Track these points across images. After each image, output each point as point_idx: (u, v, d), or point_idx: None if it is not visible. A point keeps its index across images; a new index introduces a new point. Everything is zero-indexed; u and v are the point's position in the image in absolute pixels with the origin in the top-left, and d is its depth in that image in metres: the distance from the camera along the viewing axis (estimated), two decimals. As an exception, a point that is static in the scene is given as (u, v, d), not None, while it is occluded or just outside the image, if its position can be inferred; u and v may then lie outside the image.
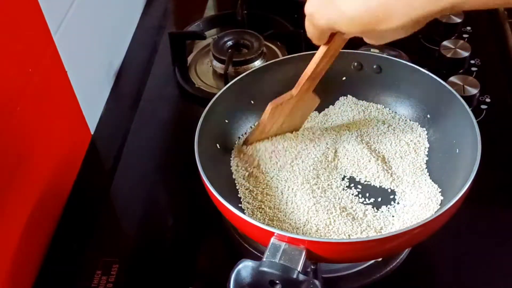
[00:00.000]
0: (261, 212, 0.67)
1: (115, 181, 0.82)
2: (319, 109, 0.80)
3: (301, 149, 0.74)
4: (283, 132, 0.75)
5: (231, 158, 0.74)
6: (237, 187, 0.71)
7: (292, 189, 0.69)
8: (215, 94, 0.74)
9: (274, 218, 0.66)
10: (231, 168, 0.73)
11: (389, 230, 0.64)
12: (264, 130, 0.73)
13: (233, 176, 0.72)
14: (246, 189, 0.70)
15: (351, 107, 0.79)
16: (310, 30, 0.60)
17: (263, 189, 0.70)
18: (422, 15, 0.50)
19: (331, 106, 0.80)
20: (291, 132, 0.76)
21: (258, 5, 1.06)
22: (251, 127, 0.78)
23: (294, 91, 0.70)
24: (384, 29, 0.52)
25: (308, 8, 0.58)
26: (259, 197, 0.69)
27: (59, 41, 0.76)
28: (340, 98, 0.80)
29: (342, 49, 0.78)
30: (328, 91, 0.79)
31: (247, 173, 0.72)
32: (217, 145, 0.73)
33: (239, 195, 0.70)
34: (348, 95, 0.80)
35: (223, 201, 0.61)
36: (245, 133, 0.77)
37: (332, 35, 0.62)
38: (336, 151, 0.74)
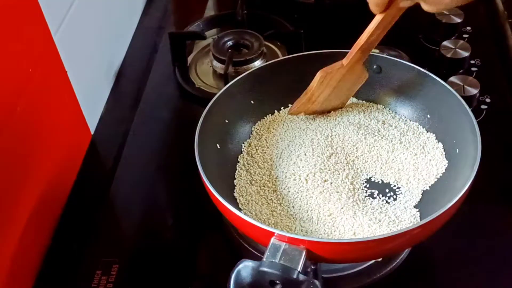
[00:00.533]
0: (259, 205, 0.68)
1: (115, 181, 0.82)
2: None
3: (303, 149, 0.74)
4: (328, 107, 0.77)
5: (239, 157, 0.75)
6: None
7: (292, 186, 0.69)
8: (215, 94, 0.74)
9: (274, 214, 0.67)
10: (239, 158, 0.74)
11: (387, 230, 0.64)
12: (311, 99, 0.74)
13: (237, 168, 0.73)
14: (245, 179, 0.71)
15: (351, 107, 0.79)
16: None
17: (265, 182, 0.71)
18: None
19: (331, 106, 0.80)
20: (335, 109, 0.77)
21: (258, 5, 1.06)
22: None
23: (345, 61, 0.71)
24: None
25: None
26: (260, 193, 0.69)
27: (59, 41, 0.76)
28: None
29: (342, 49, 0.79)
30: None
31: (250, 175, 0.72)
32: (217, 145, 0.73)
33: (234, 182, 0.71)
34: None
35: (223, 201, 0.61)
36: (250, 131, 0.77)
37: (390, 3, 0.62)
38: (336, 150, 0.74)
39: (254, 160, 0.74)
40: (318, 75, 0.72)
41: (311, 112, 0.77)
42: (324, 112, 0.77)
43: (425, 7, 0.57)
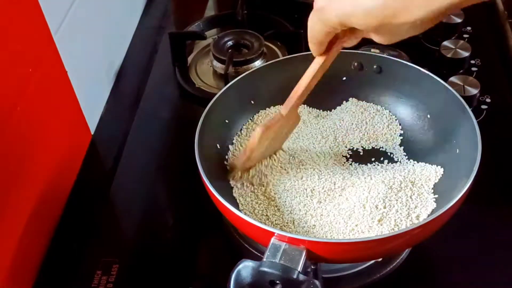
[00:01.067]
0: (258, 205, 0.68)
1: (115, 181, 0.82)
2: (318, 108, 0.80)
3: (302, 151, 0.74)
4: (266, 156, 0.71)
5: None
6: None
7: (293, 190, 0.69)
8: (215, 94, 0.74)
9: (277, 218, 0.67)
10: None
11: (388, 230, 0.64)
12: (250, 156, 0.67)
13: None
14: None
15: (351, 108, 0.79)
16: (317, 28, 0.56)
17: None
18: (441, 7, 0.48)
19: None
20: (272, 154, 0.71)
21: (258, 5, 1.06)
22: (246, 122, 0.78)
23: (284, 110, 0.66)
24: (401, 22, 0.49)
25: (318, 2, 0.54)
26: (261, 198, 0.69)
27: (59, 41, 0.76)
28: (343, 102, 0.80)
29: (343, 48, 0.79)
30: (328, 91, 0.79)
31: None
32: (217, 145, 0.73)
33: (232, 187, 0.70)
34: (349, 98, 0.80)
35: (223, 201, 0.61)
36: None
37: (331, 44, 0.60)
38: (335, 151, 0.74)
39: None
40: (259, 131, 0.65)
41: (248, 169, 0.69)
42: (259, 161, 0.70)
43: (377, 38, 0.53)
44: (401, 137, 0.76)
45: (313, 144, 0.75)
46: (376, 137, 0.76)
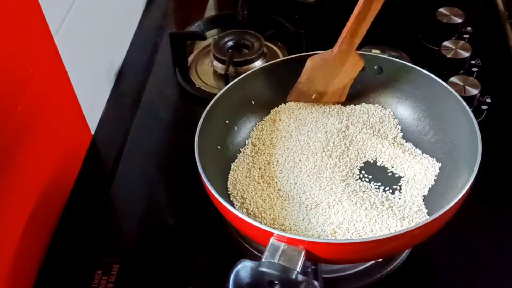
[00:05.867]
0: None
1: (115, 181, 0.82)
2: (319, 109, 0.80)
3: (302, 148, 0.74)
4: (326, 101, 0.77)
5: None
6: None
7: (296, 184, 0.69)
8: (215, 94, 0.74)
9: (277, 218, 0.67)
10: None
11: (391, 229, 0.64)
12: (301, 91, 0.75)
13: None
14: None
15: (352, 108, 0.79)
16: None
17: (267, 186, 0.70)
18: None
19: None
20: (334, 103, 0.77)
21: (258, 5, 1.06)
22: (254, 126, 0.78)
23: (335, 47, 0.71)
24: None
25: None
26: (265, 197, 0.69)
27: (60, 41, 0.76)
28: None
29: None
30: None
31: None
32: (218, 145, 0.73)
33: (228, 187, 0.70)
34: (350, 99, 0.80)
35: (223, 201, 0.61)
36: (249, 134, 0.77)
37: None
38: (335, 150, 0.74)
39: (253, 159, 0.74)
40: (308, 61, 0.73)
41: (308, 101, 0.77)
42: (323, 102, 0.78)
43: None
44: (402, 138, 0.76)
45: (315, 144, 0.75)
46: (376, 137, 0.76)
